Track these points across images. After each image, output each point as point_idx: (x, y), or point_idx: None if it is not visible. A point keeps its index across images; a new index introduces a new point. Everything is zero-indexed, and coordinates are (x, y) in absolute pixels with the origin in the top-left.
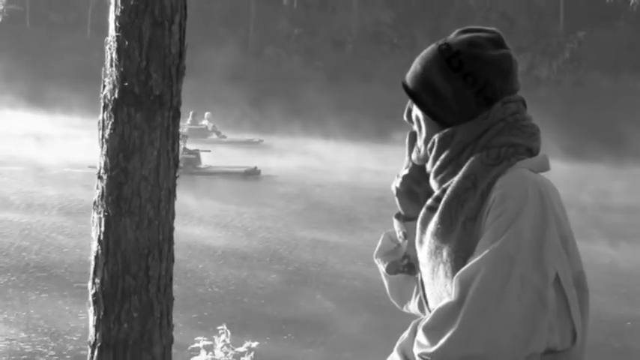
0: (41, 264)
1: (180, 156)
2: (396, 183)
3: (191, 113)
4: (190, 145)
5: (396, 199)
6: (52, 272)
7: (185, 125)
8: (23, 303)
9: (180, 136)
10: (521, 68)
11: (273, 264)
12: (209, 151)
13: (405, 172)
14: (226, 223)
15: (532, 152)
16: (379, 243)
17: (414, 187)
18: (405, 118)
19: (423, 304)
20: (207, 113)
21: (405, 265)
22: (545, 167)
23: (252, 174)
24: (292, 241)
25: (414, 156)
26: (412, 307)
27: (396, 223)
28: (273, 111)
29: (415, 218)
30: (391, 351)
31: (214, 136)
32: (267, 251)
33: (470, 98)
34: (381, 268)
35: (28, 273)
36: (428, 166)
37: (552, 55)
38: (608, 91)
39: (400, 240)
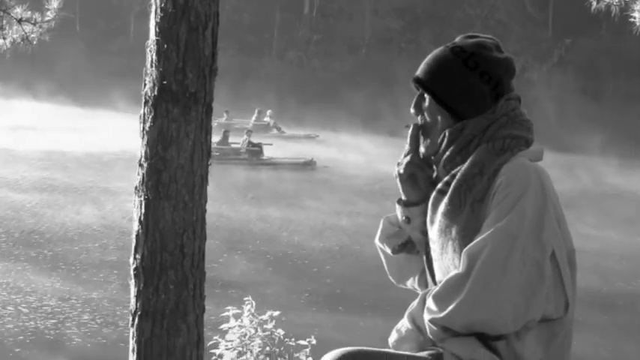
0: None
1: (245, 149)
2: (400, 169)
3: (257, 111)
4: (254, 139)
5: (399, 185)
6: None
7: (250, 122)
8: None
9: (246, 131)
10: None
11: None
12: (271, 144)
13: (407, 159)
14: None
15: (529, 143)
16: (380, 227)
17: (416, 171)
18: (412, 110)
19: (427, 279)
20: (269, 111)
21: (410, 246)
22: (541, 157)
23: (309, 165)
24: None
25: (422, 147)
26: (410, 282)
27: (398, 208)
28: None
29: (416, 203)
30: None
31: (275, 131)
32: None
33: (486, 94)
34: (386, 249)
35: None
36: (437, 155)
37: (542, 60)
38: (591, 92)
39: (403, 224)
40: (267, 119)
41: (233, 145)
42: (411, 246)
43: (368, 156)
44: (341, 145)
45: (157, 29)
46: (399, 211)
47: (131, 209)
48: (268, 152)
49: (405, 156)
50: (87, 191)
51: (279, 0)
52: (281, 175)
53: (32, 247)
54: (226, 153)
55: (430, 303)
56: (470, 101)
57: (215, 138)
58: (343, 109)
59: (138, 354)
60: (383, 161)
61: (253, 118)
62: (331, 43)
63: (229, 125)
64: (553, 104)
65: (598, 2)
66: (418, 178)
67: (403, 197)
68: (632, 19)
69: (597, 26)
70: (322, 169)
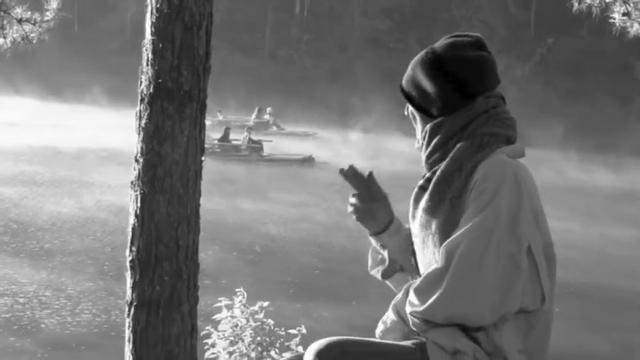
0: None
1: (246, 145)
2: (350, 211)
3: (257, 109)
4: (255, 136)
5: (360, 224)
6: None
7: (251, 119)
8: None
9: (246, 128)
10: (499, 68)
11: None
12: (271, 141)
13: (353, 200)
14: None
15: (510, 141)
16: (369, 259)
17: (366, 207)
18: (405, 113)
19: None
20: (268, 108)
21: (398, 267)
22: (522, 154)
23: (308, 161)
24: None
25: (415, 145)
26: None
27: (371, 239)
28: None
29: (382, 231)
30: None
31: (275, 128)
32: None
33: (450, 93)
34: (378, 277)
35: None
36: (422, 153)
37: (525, 59)
38: (572, 89)
39: (381, 250)
40: (267, 117)
41: (234, 142)
42: (399, 266)
43: (360, 152)
44: (337, 142)
45: (153, 29)
46: (372, 241)
47: (110, 201)
48: (268, 149)
49: (353, 196)
50: (67, 184)
51: (272, 0)
52: (280, 171)
53: (12, 237)
54: (227, 149)
55: (412, 296)
56: (436, 101)
57: (216, 135)
58: (334, 107)
59: (134, 343)
60: (376, 157)
61: (253, 115)
62: (322, 43)
63: (230, 123)
64: (518, 98)
65: (579, 3)
66: (374, 209)
67: (368, 230)
68: (611, 20)
69: (579, 26)
70: (320, 165)
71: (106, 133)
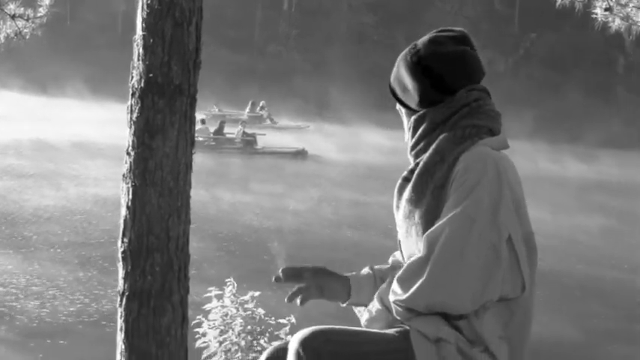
0: None
1: (240, 138)
2: (305, 300)
3: (250, 102)
4: (249, 130)
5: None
6: None
7: (245, 113)
8: None
9: (240, 122)
10: (482, 63)
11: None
12: (264, 134)
13: (304, 294)
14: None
15: (493, 132)
16: (359, 317)
17: (314, 290)
18: (397, 107)
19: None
20: (262, 102)
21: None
22: (504, 145)
23: (300, 154)
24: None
25: (405, 139)
26: None
27: (355, 310)
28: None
29: (347, 299)
30: None
31: (268, 122)
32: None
33: (428, 88)
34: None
35: None
36: (407, 145)
37: (509, 53)
38: (556, 83)
39: (360, 308)
40: (261, 111)
41: (228, 135)
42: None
43: (353, 145)
44: (329, 135)
45: (144, 25)
46: (358, 314)
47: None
48: (262, 142)
49: (298, 292)
50: (52, 176)
51: None
52: (275, 163)
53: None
54: (222, 142)
55: (394, 285)
56: (415, 96)
57: (211, 128)
58: (314, 100)
59: (126, 333)
60: (366, 150)
61: (247, 109)
62: (309, 38)
63: (225, 116)
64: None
65: None
66: (326, 288)
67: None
68: (594, 15)
69: (561, 21)
70: (314, 157)
71: (90, 126)
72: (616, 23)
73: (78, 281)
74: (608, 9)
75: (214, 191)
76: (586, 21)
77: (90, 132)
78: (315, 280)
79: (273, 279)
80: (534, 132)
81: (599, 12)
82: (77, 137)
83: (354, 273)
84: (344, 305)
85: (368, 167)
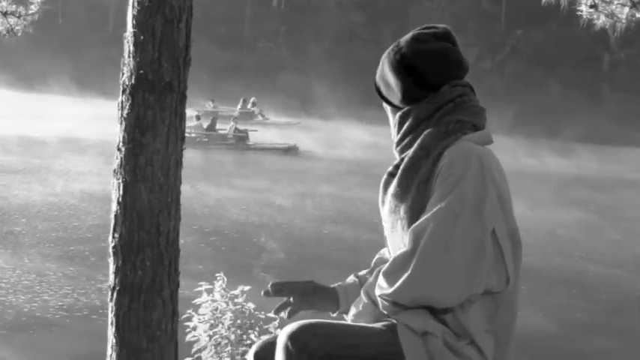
0: None
1: (232, 134)
2: (292, 313)
3: (242, 99)
4: (240, 126)
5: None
6: None
7: (236, 109)
8: None
9: (232, 118)
10: (469, 60)
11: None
12: (256, 130)
13: (294, 307)
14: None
15: (477, 128)
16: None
17: (304, 304)
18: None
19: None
20: (252, 99)
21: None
22: (488, 140)
23: (292, 150)
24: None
25: (392, 136)
26: None
27: (346, 317)
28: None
29: (337, 308)
30: None
31: (260, 118)
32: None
33: (410, 85)
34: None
35: None
36: (393, 142)
37: (495, 50)
38: (541, 79)
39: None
40: (252, 108)
41: (220, 131)
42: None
43: (320, 140)
44: (314, 130)
45: (134, 22)
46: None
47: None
48: (254, 138)
49: (285, 307)
50: (39, 172)
51: None
52: (266, 159)
53: None
54: (214, 138)
55: (380, 280)
56: (398, 93)
57: (205, 124)
58: (309, 96)
59: (116, 327)
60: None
61: (239, 106)
62: (298, 35)
63: (217, 113)
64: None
65: None
66: (311, 301)
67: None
68: (579, 12)
69: (547, 19)
70: (305, 153)
71: (76, 122)
72: (601, 20)
73: (66, 276)
74: (593, 6)
75: (202, 186)
76: (572, 18)
77: (76, 128)
78: (304, 294)
79: (262, 293)
80: (513, 127)
81: (584, 9)
82: (64, 133)
83: (340, 283)
84: (334, 315)
85: (357, 163)
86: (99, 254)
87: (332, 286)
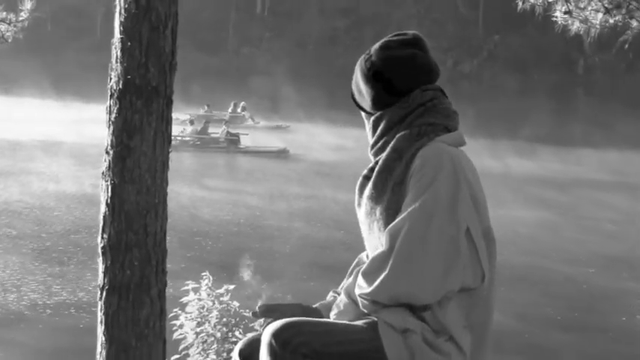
0: None
1: (224, 138)
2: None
3: (232, 103)
4: (231, 130)
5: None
6: None
7: (227, 113)
8: None
9: (224, 122)
10: (448, 64)
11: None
12: (247, 134)
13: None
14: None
15: (449, 130)
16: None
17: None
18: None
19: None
20: (242, 103)
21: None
22: (461, 142)
23: (283, 153)
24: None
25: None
26: None
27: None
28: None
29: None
30: None
31: (250, 122)
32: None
33: (380, 92)
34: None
35: None
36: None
37: (473, 55)
38: (517, 83)
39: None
40: (240, 110)
41: (212, 135)
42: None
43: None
44: (307, 134)
45: (121, 28)
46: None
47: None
48: (245, 141)
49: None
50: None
51: (234, 1)
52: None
53: None
54: (207, 142)
55: (359, 279)
56: (368, 99)
57: (197, 128)
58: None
59: (106, 325)
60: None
61: (229, 110)
62: (281, 40)
63: (209, 117)
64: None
65: (523, 2)
66: (307, 311)
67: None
68: (554, 18)
69: (523, 24)
70: (295, 156)
71: (55, 125)
72: (575, 26)
73: (54, 275)
74: (568, 12)
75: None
76: (547, 23)
77: (54, 131)
78: (292, 316)
79: (251, 314)
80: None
81: (559, 15)
82: (43, 136)
83: (321, 302)
84: None
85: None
86: (78, 254)
87: (314, 306)
